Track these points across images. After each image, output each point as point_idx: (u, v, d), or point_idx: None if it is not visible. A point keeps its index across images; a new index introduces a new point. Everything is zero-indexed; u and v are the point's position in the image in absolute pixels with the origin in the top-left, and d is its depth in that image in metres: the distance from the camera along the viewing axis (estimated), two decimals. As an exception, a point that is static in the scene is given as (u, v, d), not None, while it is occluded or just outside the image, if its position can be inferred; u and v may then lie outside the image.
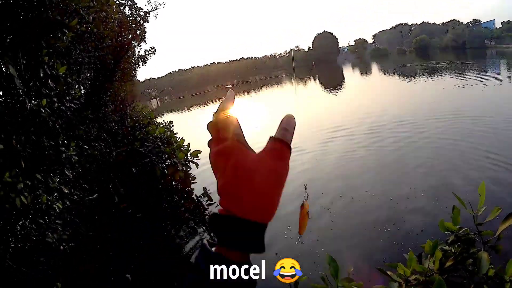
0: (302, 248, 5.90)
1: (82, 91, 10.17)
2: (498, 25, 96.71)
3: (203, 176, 10.59)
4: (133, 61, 22.99)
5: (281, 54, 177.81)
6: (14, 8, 3.76)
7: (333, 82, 42.35)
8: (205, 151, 11.49)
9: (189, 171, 10.79)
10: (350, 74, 56.30)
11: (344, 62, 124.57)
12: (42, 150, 4.50)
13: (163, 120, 15.08)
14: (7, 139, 3.49)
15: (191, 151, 10.93)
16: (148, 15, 17.28)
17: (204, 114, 35.37)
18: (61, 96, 5.67)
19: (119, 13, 14.34)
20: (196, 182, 10.34)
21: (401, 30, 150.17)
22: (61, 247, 4.09)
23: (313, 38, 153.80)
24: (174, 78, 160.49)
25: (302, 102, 29.00)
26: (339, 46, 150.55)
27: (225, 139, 0.65)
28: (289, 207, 7.51)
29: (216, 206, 8.06)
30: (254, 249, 0.61)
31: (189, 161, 10.83)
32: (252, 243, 0.61)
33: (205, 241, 0.63)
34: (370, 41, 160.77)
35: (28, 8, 4.06)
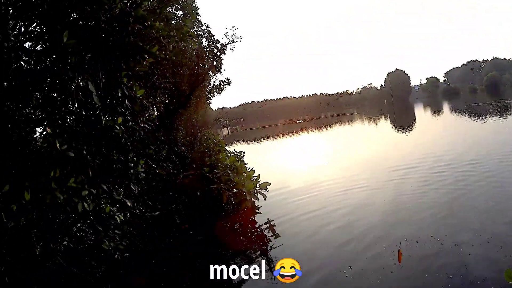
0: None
1: (156, 113, 10.78)
2: None
3: (269, 208, 10.61)
4: (208, 90, 24.13)
5: (353, 91, 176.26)
6: (97, 30, 4.13)
7: (404, 122, 40.93)
8: (274, 183, 11.63)
9: (255, 201, 10.90)
10: (422, 113, 54.04)
11: (415, 101, 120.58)
12: (110, 163, 4.76)
13: (234, 150, 15.47)
14: (78, 148, 3.77)
15: (260, 182, 11.06)
16: (225, 47, 18.19)
17: (273, 147, 35.73)
18: (136, 116, 5.99)
19: (197, 45, 15.24)
20: (260, 213, 10.34)
21: (472, 66, 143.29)
22: (116, 256, 4.25)
23: (385, 76, 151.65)
24: (246, 109, 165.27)
25: (372, 140, 28.15)
26: (410, 85, 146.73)
27: None
28: (347, 246, 7.25)
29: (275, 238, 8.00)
30: None
31: (257, 192, 10.95)
32: None
33: None
34: (442, 79, 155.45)
35: (110, 32, 4.44)
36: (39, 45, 3.65)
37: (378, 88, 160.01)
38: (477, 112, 37.32)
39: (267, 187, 10.98)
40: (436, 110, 55.63)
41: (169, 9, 6.33)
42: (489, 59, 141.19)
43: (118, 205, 4.80)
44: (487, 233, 6.74)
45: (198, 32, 16.85)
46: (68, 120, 4.22)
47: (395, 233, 7.46)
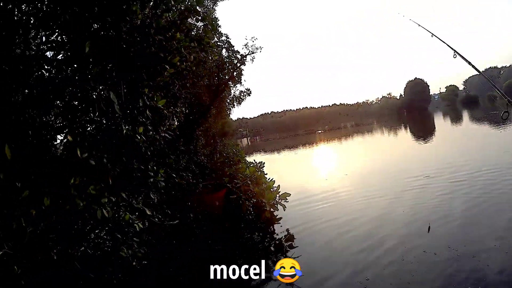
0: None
1: (176, 123, 10.90)
2: None
3: (288, 218, 10.54)
4: (228, 100, 24.27)
5: (372, 101, 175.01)
6: (118, 41, 4.22)
7: (423, 131, 40.39)
8: (294, 194, 11.58)
9: (275, 212, 10.88)
10: (441, 123, 53.14)
11: (435, 110, 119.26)
12: (130, 172, 4.81)
13: (254, 160, 15.49)
14: (98, 156, 3.83)
15: (280, 193, 11.05)
16: (245, 58, 18.31)
17: (293, 158, 35.61)
18: (157, 126, 6.05)
19: (218, 55, 15.39)
20: (281, 225, 10.27)
21: (491, 73, 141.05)
22: (134, 263, 4.28)
23: (404, 85, 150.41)
24: (266, 119, 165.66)
25: (392, 150, 27.78)
26: (430, 93, 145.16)
27: None
28: (365, 255, 7.10)
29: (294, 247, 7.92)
30: None
31: (277, 203, 10.95)
32: None
33: None
34: (461, 87, 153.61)
35: (131, 43, 4.53)
36: (60, 55, 3.75)
37: (398, 97, 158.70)
38: (495, 120, 36.82)
39: (287, 197, 10.97)
40: (456, 119, 54.78)
41: (190, 20, 6.40)
42: (508, 65, 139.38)
43: (137, 213, 4.84)
44: (506, 244, 6.52)
45: (218, 43, 17.02)
46: (89, 128, 4.30)
47: (413, 243, 7.32)
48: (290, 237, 8.75)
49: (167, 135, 6.32)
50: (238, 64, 18.33)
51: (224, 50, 17.63)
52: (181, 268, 6.45)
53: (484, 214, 8.41)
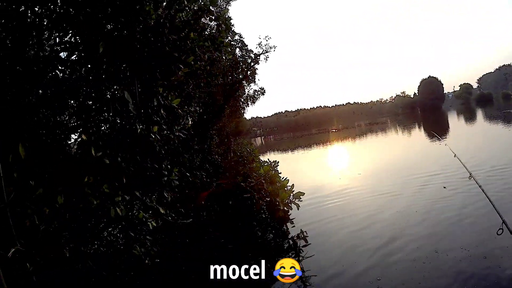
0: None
1: (190, 122, 10.95)
2: None
3: (302, 217, 10.50)
4: (242, 99, 24.32)
5: (386, 100, 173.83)
6: (132, 41, 4.25)
7: (437, 130, 39.88)
8: (308, 193, 11.54)
9: (288, 211, 10.85)
10: (455, 121, 52.41)
11: (449, 109, 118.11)
12: (144, 171, 4.85)
13: (268, 159, 15.48)
14: (113, 155, 3.87)
15: (294, 192, 11.02)
16: (258, 57, 18.31)
17: (307, 157, 35.48)
18: (171, 125, 6.08)
19: (231, 55, 15.42)
20: (293, 225, 10.25)
21: (505, 71, 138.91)
22: (146, 261, 4.31)
23: (418, 84, 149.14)
24: (280, 118, 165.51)
25: (406, 149, 27.47)
26: (444, 92, 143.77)
27: None
28: (379, 256, 7.04)
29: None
30: None
31: (291, 202, 10.93)
32: None
33: None
34: (475, 85, 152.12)
35: (145, 43, 4.57)
36: (74, 55, 3.80)
37: (412, 96, 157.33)
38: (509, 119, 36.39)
39: (301, 197, 10.92)
40: (470, 118, 54.05)
41: (203, 19, 6.42)
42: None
43: (150, 212, 4.88)
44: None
45: (232, 42, 17.07)
46: (103, 127, 4.35)
47: (425, 243, 7.24)
48: (303, 236, 8.71)
49: (181, 134, 6.34)
50: (252, 63, 18.36)
51: (237, 50, 17.70)
52: (184, 267, 6.49)
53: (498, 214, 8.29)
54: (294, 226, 9.87)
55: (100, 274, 3.50)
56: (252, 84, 23.24)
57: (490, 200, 5.40)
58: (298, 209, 10.59)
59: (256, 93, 24.81)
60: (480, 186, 6.09)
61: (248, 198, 11.05)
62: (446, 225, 8.03)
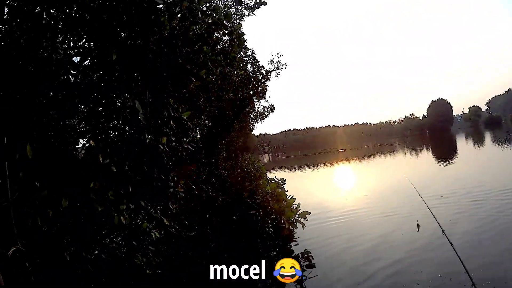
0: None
1: (199, 136, 10.96)
2: None
3: (306, 236, 10.50)
4: (252, 116, 24.37)
5: (395, 121, 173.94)
6: (145, 50, 4.29)
7: (445, 153, 39.71)
8: (314, 212, 11.44)
9: (293, 230, 10.75)
10: (463, 144, 52.27)
11: (457, 131, 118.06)
12: (150, 181, 4.82)
13: (275, 176, 15.43)
14: (120, 163, 3.86)
15: (300, 211, 10.94)
16: (269, 74, 18.37)
17: (314, 176, 35.32)
18: (180, 137, 6.08)
19: (243, 70, 15.52)
20: (297, 243, 10.13)
21: None
22: (147, 271, 4.25)
23: (427, 105, 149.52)
24: (288, 136, 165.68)
25: (412, 171, 27.29)
26: (453, 114, 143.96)
27: None
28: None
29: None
30: None
31: (296, 221, 10.83)
32: None
33: None
34: (484, 107, 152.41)
35: (158, 53, 4.60)
36: (87, 60, 3.83)
37: (421, 118, 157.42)
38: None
39: (307, 216, 10.82)
40: (478, 140, 53.91)
41: (217, 33, 6.48)
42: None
43: (154, 222, 4.84)
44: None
45: (244, 58, 17.18)
46: (112, 135, 4.35)
47: (431, 264, 7.14)
48: (307, 256, 8.58)
49: (189, 146, 6.33)
50: (263, 80, 18.42)
51: (249, 65, 17.78)
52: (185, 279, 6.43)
53: (504, 235, 8.34)
54: (297, 245, 9.76)
55: (99, 279, 3.45)
56: (262, 101, 23.29)
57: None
58: (303, 228, 10.48)
59: (266, 110, 24.83)
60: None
61: (253, 214, 10.96)
62: (451, 250, 7.92)
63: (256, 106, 24.02)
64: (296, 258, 8.41)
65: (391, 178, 24.38)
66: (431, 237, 9.08)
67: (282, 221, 10.78)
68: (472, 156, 33.13)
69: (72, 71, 3.66)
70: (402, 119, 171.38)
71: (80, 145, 4.02)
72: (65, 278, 3.05)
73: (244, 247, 9.71)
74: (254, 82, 17.74)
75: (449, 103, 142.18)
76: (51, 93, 3.44)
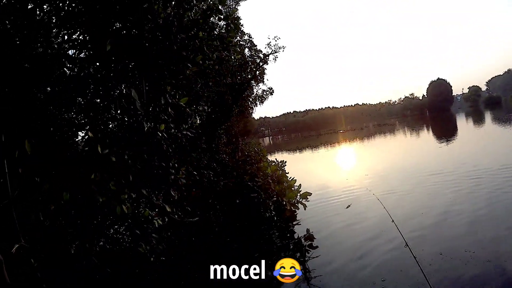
0: None
1: (198, 121, 10.95)
2: None
3: (308, 217, 10.47)
4: (251, 99, 24.33)
5: (395, 101, 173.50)
6: (140, 39, 4.26)
7: (445, 133, 39.64)
8: (315, 193, 11.50)
9: (295, 211, 10.85)
10: (464, 124, 52.06)
11: (457, 111, 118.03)
12: (151, 169, 4.85)
13: (275, 159, 15.46)
14: (119, 153, 3.88)
15: (301, 192, 11.02)
16: (267, 57, 18.28)
17: (315, 157, 35.38)
18: (179, 124, 6.06)
19: (240, 55, 15.41)
20: (300, 224, 10.21)
21: None
22: (152, 258, 4.32)
23: (427, 86, 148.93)
24: (288, 119, 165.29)
25: (412, 151, 27.33)
26: (453, 94, 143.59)
27: None
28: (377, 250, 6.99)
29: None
30: None
31: (298, 202, 10.92)
32: None
33: None
34: (484, 87, 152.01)
35: (153, 41, 4.57)
36: (83, 53, 3.82)
37: (420, 98, 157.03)
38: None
39: (308, 197, 10.91)
40: (478, 120, 53.72)
41: (212, 19, 6.41)
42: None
43: (157, 210, 4.90)
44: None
45: (241, 42, 17.06)
46: (110, 125, 4.36)
47: (429, 245, 7.17)
48: (309, 237, 8.67)
49: (189, 133, 6.33)
50: (261, 63, 18.33)
51: (246, 50, 17.68)
52: (189, 265, 6.50)
53: (503, 214, 8.35)
54: (300, 225, 9.86)
55: (105, 271, 3.52)
56: (260, 84, 23.24)
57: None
58: (304, 209, 10.58)
59: (265, 93, 24.80)
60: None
61: (255, 197, 11.05)
62: (457, 227, 7.96)
63: (255, 90, 23.97)
64: (298, 242, 8.50)
65: (391, 158, 24.48)
66: (431, 213, 9.20)
67: (284, 203, 10.89)
68: (471, 136, 33.04)
69: (68, 65, 3.65)
70: (402, 99, 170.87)
71: (80, 137, 4.04)
72: (70, 273, 3.11)
73: (247, 229, 9.82)
74: (252, 66, 17.66)
75: (449, 83, 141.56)
76: (48, 88, 3.45)
